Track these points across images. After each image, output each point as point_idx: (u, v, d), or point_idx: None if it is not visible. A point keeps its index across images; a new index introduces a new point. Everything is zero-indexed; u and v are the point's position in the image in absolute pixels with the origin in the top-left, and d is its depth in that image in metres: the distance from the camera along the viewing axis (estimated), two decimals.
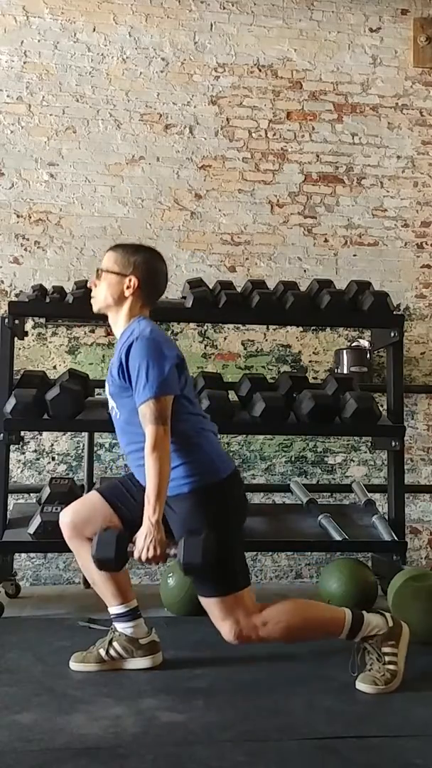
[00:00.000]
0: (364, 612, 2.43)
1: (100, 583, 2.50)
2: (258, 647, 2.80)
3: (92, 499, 2.57)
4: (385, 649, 2.38)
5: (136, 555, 2.24)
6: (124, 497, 2.51)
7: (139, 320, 2.46)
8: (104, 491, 2.57)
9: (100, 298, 2.54)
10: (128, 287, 2.49)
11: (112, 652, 2.51)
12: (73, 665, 2.52)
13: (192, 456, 2.36)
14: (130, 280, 2.49)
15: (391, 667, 2.36)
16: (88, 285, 2.65)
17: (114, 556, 2.26)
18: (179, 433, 2.35)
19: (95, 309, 2.59)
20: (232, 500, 2.42)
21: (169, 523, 2.36)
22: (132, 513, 2.40)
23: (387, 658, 2.37)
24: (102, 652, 2.52)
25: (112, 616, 2.54)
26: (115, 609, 2.53)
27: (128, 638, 2.51)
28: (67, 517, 2.55)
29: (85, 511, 2.53)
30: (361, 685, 2.34)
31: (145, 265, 2.52)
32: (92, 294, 2.58)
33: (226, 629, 2.35)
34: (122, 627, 2.52)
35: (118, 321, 2.53)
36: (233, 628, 2.33)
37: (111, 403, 2.53)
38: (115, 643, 2.52)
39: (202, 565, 2.21)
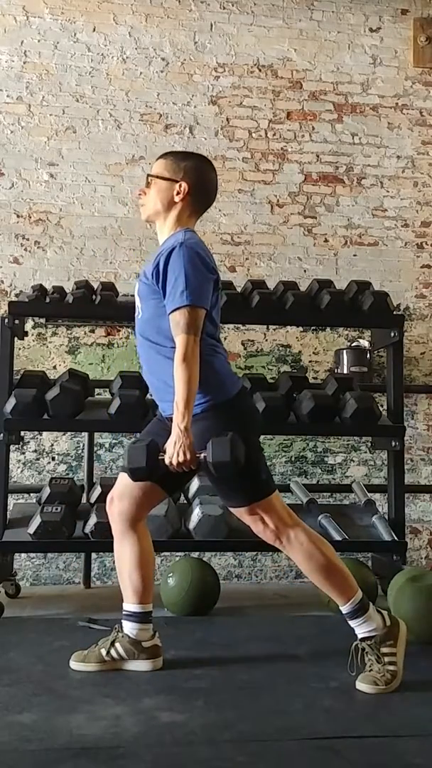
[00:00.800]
0: (371, 603, 2.45)
1: (127, 574, 2.50)
2: (257, 647, 2.81)
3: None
4: (384, 650, 2.37)
5: (167, 460, 2.25)
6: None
7: (186, 230, 2.43)
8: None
9: (150, 204, 2.50)
10: (178, 193, 2.45)
11: (113, 653, 2.50)
12: (74, 665, 2.51)
13: (203, 375, 2.33)
14: (180, 186, 2.45)
15: (391, 667, 2.36)
16: (137, 193, 2.60)
17: (146, 464, 2.27)
18: None
19: (143, 217, 2.56)
20: (244, 413, 2.44)
21: None
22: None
23: (386, 659, 2.36)
24: (103, 652, 2.51)
25: (123, 613, 2.53)
26: (130, 607, 2.52)
27: (132, 640, 2.51)
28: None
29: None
30: (361, 686, 2.33)
31: (196, 171, 2.49)
32: (141, 202, 2.55)
33: (262, 533, 2.42)
34: (129, 627, 2.51)
35: (165, 228, 2.49)
36: (266, 532, 2.41)
37: (137, 303, 2.51)
38: (117, 644, 2.51)
39: (232, 462, 2.23)
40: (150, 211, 2.52)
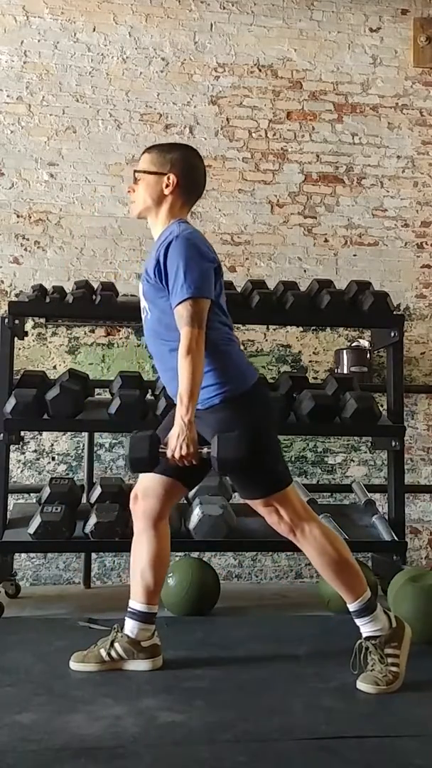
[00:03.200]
0: (378, 604, 2.45)
1: (140, 572, 2.48)
2: (257, 647, 2.81)
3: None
4: (388, 651, 2.37)
5: (168, 453, 2.24)
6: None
7: (179, 222, 2.41)
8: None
9: (140, 200, 2.48)
10: (167, 186, 2.44)
11: (113, 653, 2.50)
12: (73, 665, 2.51)
13: (221, 364, 2.34)
14: (168, 178, 2.44)
15: (393, 668, 2.35)
16: (127, 191, 2.59)
17: (147, 455, 2.24)
18: (209, 342, 2.32)
19: (134, 214, 2.54)
20: (262, 404, 2.43)
21: (200, 433, 2.33)
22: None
23: (389, 660, 2.36)
24: (103, 652, 2.51)
25: (128, 611, 2.51)
26: (136, 606, 2.50)
27: (130, 640, 2.50)
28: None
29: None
30: (362, 685, 2.33)
31: (183, 162, 2.47)
32: (131, 199, 2.53)
33: (276, 525, 2.42)
34: (130, 627, 2.50)
35: (158, 222, 2.47)
36: (281, 524, 2.41)
37: (143, 303, 2.49)
38: (116, 644, 2.50)
39: (237, 460, 2.21)
40: (141, 207, 2.50)
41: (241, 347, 2.53)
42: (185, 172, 2.46)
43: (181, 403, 2.24)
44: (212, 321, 2.36)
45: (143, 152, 2.54)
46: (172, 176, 2.44)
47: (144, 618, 2.50)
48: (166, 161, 2.46)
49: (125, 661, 2.50)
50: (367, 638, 2.39)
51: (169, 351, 2.38)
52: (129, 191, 2.55)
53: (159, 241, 2.41)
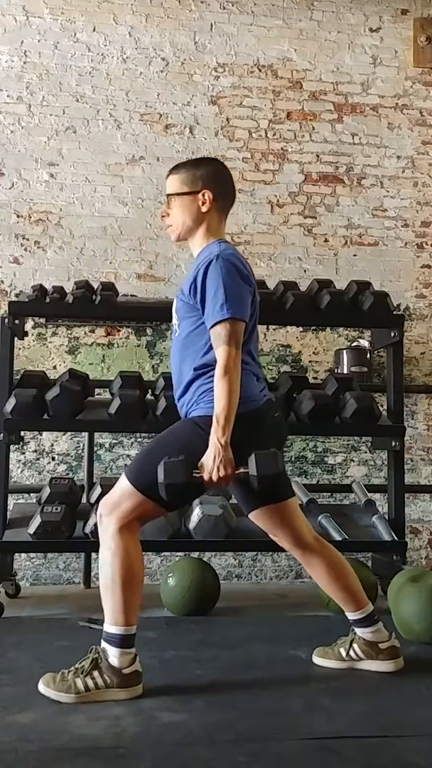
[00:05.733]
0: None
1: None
2: (257, 647, 2.81)
3: None
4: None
5: (206, 476, 2.19)
6: None
7: (219, 242, 2.36)
8: None
9: (178, 223, 2.41)
10: (204, 203, 2.38)
11: (352, 653, 2.50)
12: (316, 659, 2.55)
13: None
14: (204, 195, 2.38)
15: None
16: (161, 215, 2.50)
17: (183, 480, 2.18)
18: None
19: (174, 238, 2.47)
20: (257, 428, 2.34)
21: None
22: None
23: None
24: (343, 651, 2.52)
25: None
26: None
27: (366, 642, 2.49)
28: None
29: None
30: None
31: (214, 175, 2.42)
32: (167, 223, 2.46)
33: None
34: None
35: (197, 242, 2.42)
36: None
37: (174, 320, 2.45)
38: (355, 645, 2.50)
39: (278, 476, 2.21)
40: (180, 230, 2.43)
41: (259, 375, 2.44)
42: (218, 184, 2.41)
43: (217, 424, 2.18)
44: None
45: (169, 173, 2.46)
46: (207, 192, 2.38)
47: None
48: (197, 178, 2.40)
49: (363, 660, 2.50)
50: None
51: (192, 369, 2.34)
52: (163, 216, 2.48)
53: (199, 260, 2.36)
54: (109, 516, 2.32)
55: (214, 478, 2.18)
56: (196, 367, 2.33)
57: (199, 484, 2.23)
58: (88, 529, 3.33)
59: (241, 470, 2.22)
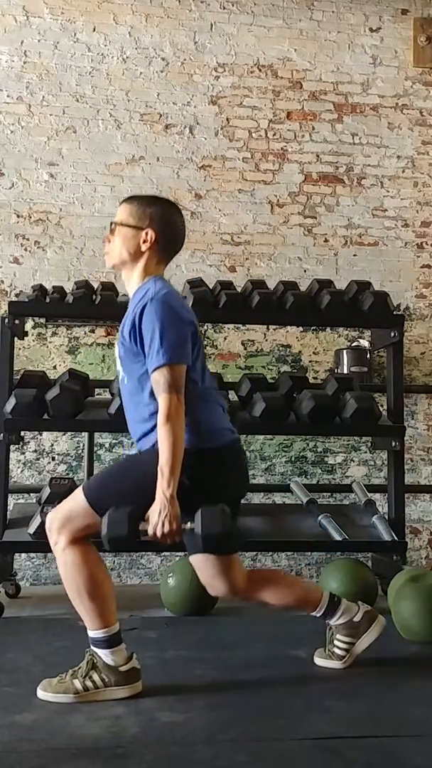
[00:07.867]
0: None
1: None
2: (257, 647, 2.81)
3: None
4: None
5: (150, 531, 2.11)
6: None
7: (155, 280, 2.32)
8: None
9: (115, 253, 2.38)
10: (145, 241, 2.33)
11: (338, 643, 2.52)
12: (317, 660, 2.57)
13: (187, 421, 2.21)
14: (146, 234, 2.33)
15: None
16: (103, 240, 2.47)
17: (127, 534, 2.10)
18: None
19: (108, 265, 2.44)
20: (223, 467, 2.30)
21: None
22: None
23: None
24: (334, 648, 2.53)
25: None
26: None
27: (344, 625, 2.50)
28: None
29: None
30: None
31: (162, 218, 2.37)
32: (105, 250, 2.43)
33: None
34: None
35: (133, 278, 2.38)
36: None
37: (119, 368, 2.39)
38: (338, 636, 2.52)
39: (222, 535, 2.14)
40: (116, 260, 2.39)
41: (220, 410, 2.39)
42: (164, 228, 2.36)
43: (162, 477, 2.10)
44: (186, 385, 2.24)
45: (122, 202, 2.44)
46: (150, 231, 2.34)
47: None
48: (145, 215, 2.36)
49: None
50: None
51: (149, 416, 2.27)
52: (104, 241, 2.44)
53: (134, 301, 2.31)
54: (59, 532, 2.27)
55: (158, 534, 2.11)
56: (152, 413, 2.25)
57: (144, 537, 2.15)
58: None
59: (188, 525, 2.15)
